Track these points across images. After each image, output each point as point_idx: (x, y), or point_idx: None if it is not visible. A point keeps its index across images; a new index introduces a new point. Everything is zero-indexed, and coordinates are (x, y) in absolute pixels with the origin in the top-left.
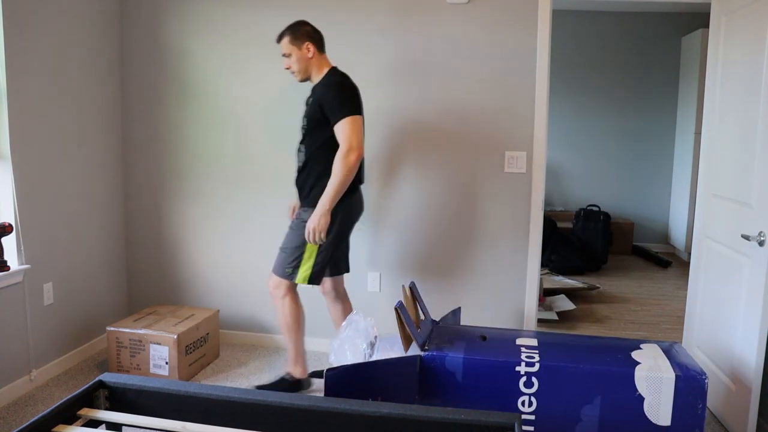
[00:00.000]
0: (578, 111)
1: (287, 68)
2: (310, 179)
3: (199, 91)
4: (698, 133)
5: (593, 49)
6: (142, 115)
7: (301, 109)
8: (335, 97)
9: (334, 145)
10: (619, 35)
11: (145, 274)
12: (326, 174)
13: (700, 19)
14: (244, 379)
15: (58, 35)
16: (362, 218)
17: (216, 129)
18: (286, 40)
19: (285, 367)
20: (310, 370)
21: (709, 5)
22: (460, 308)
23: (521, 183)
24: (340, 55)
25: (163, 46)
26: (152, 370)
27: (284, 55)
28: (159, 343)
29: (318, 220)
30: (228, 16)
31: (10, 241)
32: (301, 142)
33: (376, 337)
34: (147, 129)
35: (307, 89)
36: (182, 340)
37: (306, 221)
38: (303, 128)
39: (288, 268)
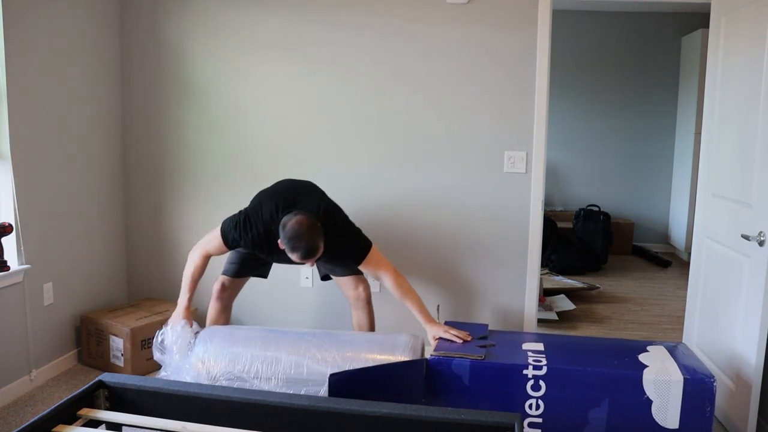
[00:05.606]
0: (578, 111)
1: None
2: None
3: (199, 91)
4: (698, 133)
5: (593, 49)
6: (142, 115)
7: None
8: None
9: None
10: (619, 35)
11: (145, 274)
12: None
13: (700, 19)
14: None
15: (58, 35)
16: (364, 217)
17: (216, 128)
18: None
19: None
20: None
21: (709, 5)
22: (438, 306)
23: (521, 183)
24: (339, 56)
25: (163, 46)
26: (112, 360)
27: None
28: (116, 335)
29: None
30: (228, 16)
31: (10, 241)
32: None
33: (196, 333)
34: (147, 129)
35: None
36: (137, 333)
37: None
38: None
39: None
